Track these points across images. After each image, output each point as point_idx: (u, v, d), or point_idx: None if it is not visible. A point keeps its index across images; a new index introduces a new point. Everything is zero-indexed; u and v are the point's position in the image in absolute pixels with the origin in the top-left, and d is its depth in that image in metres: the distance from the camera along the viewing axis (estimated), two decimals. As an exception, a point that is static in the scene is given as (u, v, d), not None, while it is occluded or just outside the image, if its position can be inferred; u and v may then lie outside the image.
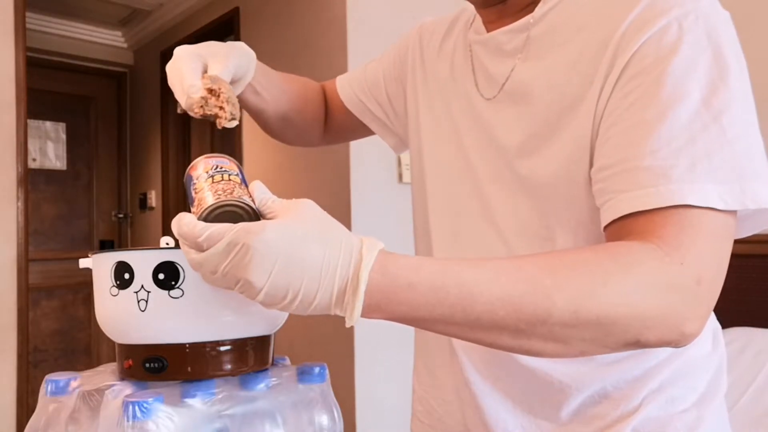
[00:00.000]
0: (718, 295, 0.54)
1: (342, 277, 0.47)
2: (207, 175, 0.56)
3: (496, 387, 0.72)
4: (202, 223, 0.48)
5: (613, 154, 0.57)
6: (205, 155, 0.61)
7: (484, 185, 0.71)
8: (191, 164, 0.60)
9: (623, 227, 0.55)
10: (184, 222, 0.49)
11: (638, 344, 0.51)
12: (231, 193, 0.53)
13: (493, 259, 0.52)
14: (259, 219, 0.52)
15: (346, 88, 0.95)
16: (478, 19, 0.77)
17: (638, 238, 0.53)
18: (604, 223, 0.58)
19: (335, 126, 0.98)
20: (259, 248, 0.45)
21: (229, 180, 0.55)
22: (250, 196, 0.54)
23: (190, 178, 0.58)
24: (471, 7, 0.77)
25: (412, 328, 0.55)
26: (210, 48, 0.70)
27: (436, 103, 0.80)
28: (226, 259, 0.46)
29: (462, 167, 0.74)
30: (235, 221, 0.48)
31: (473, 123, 0.73)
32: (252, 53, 0.76)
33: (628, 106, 0.57)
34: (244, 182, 0.57)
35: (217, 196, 0.53)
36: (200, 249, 0.48)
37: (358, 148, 2.31)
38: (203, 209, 0.52)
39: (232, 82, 0.71)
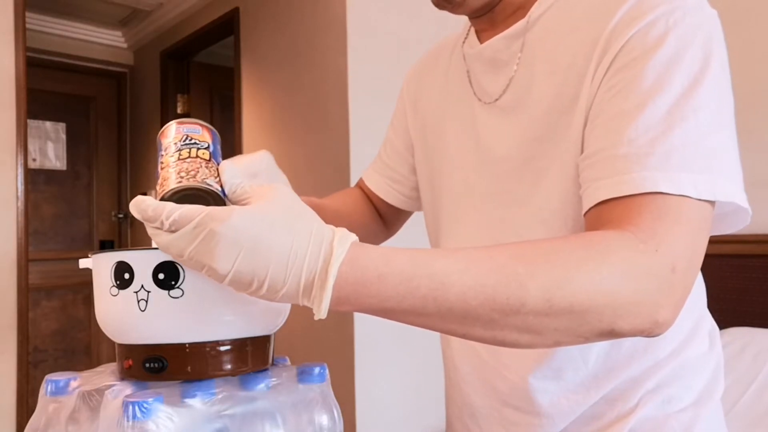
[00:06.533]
0: (692, 284, 0.53)
1: (310, 268, 0.45)
2: (174, 148, 0.54)
3: (503, 402, 0.73)
4: (170, 205, 0.46)
5: (595, 144, 0.58)
6: (178, 120, 0.57)
7: (484, 200, 0.72)
8: (162, 129, 0.57)
9: (601, 215, 0.55)
10: (147, 205, 0.47)
11: (612, 333, 0.50)
12: (195, 176, 0.51)
13: (464, 249, 0.51)
14: (224, 203, 0.51)
15: (393, 194, 0.92)
16: (472, 33, 0.77)
17: (615, 225, 0.52)
18: (583, 211, 0.58)
19: (393, 219, 0.97)
20: (224, 235, 0.44)
21: (196, 157, 0.53)
22: (218, 176, 0.52)
23: (160, 145, 0.56)
24: (455, 30, 0.78)
25: (411, 329, 0.55)
26: (268, 178, 0.64)
27: (434, 128, 0.81)
28: (192, 243, 0.45)
29: (463, 185, 0.75)
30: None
31: (474, 134, 0.73)
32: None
33: (611, 98, 0.57)
34: (215, 156, 0.55)
35: (180, 178, 0.51)
36: (168, 231, 0.46)
37: (358, 148, 2.30)
38: (165, 191, 0.51)
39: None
